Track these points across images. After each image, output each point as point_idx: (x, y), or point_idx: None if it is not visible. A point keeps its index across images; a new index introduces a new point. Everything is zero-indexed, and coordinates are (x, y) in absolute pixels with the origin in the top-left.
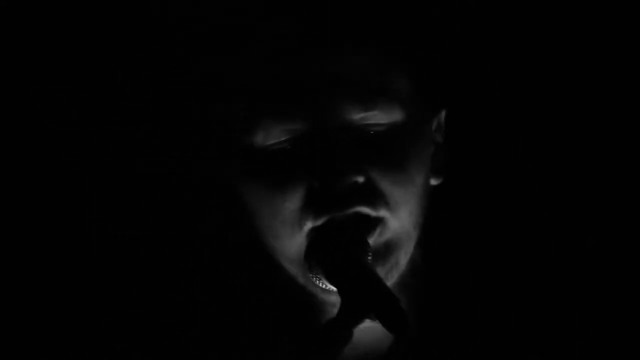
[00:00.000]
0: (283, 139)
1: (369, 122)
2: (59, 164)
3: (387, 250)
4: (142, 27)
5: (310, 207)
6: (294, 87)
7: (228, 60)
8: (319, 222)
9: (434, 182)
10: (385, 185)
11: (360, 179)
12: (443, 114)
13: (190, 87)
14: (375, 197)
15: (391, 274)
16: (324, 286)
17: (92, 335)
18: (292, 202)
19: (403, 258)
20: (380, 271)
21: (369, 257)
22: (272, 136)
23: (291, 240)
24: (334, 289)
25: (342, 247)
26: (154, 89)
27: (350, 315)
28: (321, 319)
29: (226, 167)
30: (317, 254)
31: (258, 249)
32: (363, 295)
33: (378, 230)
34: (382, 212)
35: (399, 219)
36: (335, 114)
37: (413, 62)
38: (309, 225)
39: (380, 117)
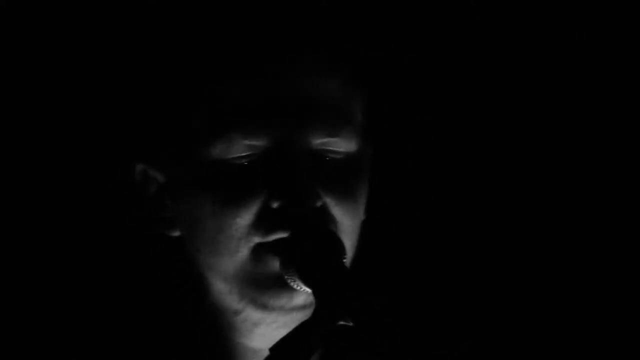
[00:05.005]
0: (243, 154)
1: (328, 148)
2: None
3: None
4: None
5: (261, 224)
6: (265, 105)
7: (203, 69)
8: (269, 239)
9: (363, 217)
10: (337, 213)
11: (318, 204)
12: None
13: (160, 91)
14: (328, 223)
15: None
16: (298, 287)
17: None
18: (244, 218)
19: None
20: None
21: (345, 259)
22: (233, 150)
23: (233, 256)
24: (308, 290)
25: (320, 247)
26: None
27: (326, 317)
28: (244, 339)
29: (176, 176)
30: (295, 253)
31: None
32: (340, 297)
33: None
34: None
35: None
36: (300, 136)
37: (365, 98)
38: (256, 240)
39: (339, 144)
